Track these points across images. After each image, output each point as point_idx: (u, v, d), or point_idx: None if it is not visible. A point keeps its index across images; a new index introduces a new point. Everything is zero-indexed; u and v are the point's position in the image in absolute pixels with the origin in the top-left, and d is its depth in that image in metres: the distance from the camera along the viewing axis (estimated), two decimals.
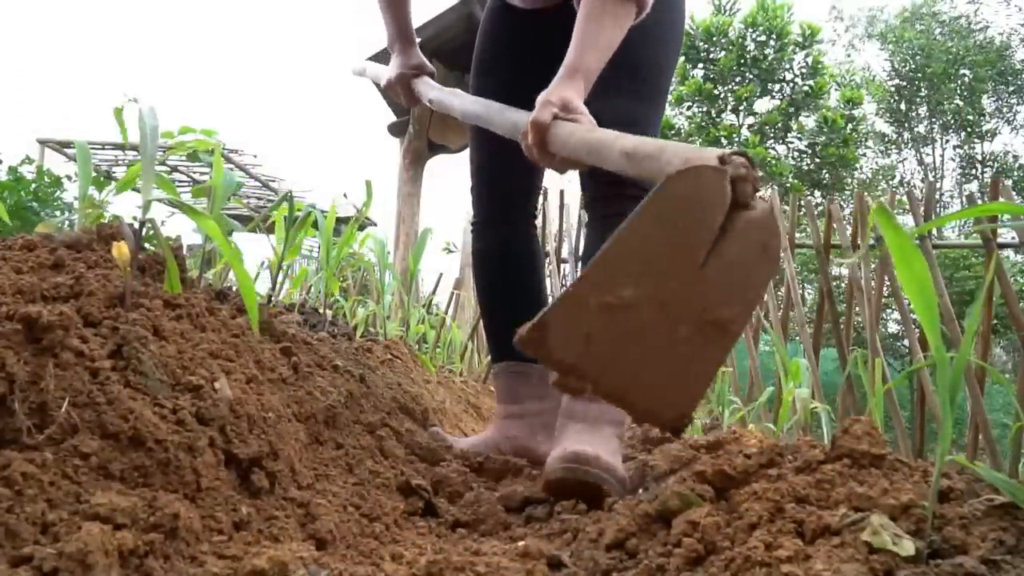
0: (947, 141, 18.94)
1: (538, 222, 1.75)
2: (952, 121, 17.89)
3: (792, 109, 12.77)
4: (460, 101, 1.54)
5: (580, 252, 3.78)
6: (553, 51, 1.41)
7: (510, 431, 1.56)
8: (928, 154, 19.38)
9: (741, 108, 12.91)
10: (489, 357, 1.78)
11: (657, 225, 0.82)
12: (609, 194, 1.45)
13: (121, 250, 0.94)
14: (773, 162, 12.15)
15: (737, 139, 12.72)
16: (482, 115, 1.46)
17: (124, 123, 1.28)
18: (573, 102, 1.19)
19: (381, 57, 5.65)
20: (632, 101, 1.46)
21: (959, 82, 17.36)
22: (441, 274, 4.75)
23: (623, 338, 0.83)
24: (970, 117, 17.74)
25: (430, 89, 1.68)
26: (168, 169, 8.52)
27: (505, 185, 1.67)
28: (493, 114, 1.42)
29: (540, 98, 1.21)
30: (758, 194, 0.84)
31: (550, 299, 1.72)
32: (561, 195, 4.45)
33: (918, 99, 17.90)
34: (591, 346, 0.82)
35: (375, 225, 7.97)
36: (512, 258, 1.67)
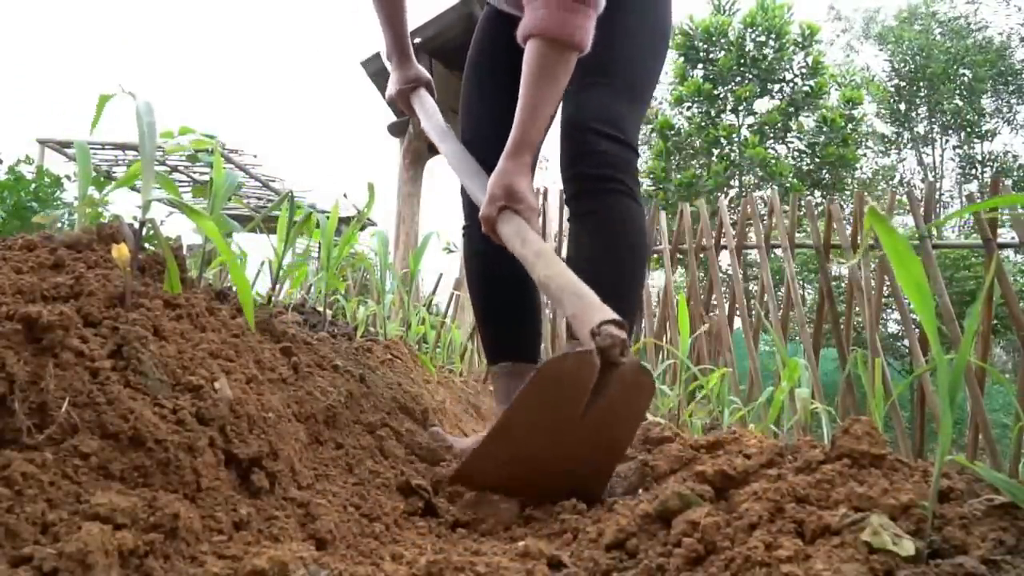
0: (947, 141, 18.95)
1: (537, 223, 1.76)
2: (952, 121, 17.90)
3: (792, 109, 12.76)
4: (446, 146, 1.62)
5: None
6: None
7: None
8: (928, 154, 19.39)
9: (741, 108, 12.91)
10: (486, 359, 1.79)
11: (537, 400, 1.03)
12: (586, 190, 1.48)
13: (121, 251, 0.94)
14: (773, 162, 12.15)
15: (737, 139, 12.73)
16: (457, 169, 1.56)
17: (100, 113, 1.26)
18: (517, 190, 1.31)
19: (380, 57, 5.65)
20: (606, 95, 1.48)
21: (958, 82, 17.37)
22: (441, 274, 4.76)
23: (532, 470, 1.08)
24: (970, 117, 17.74)
25: (426, 115, 1.75)
26: (168, 169, 8.52)
27: None
28: (464, 173, 1.53)
29: (488, 187, 1.32)
30: (627, 351, 1.02)
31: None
32: (561, 195, 4.45)
33: (918, 99, 17.91)
34: (510, 475, 1.08)
35: (375, 225, 7.97)
36: (503, 263, 1.67)
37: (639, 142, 1.57)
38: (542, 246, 1.25)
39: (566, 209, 4.81)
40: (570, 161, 1.48)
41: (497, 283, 1.68)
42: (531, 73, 1.31)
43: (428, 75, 1.80)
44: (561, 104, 1.54)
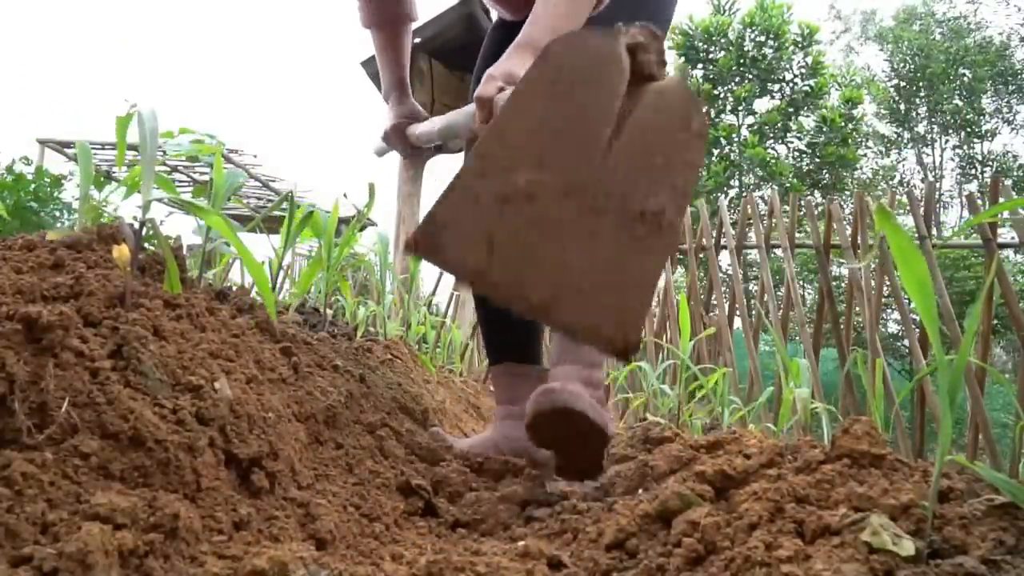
0: (947, 141, 18.96)
1: None
2: (952, 121, 17.91)
3: (791, 109, 12.76)
4: (438, 122, 1.58)
5: None
6: None
7: (510, 432, 1.55)
8: (928, 154, 19.40)
9: (740, 108, 12.91)
10: (487, 359, 1.82)
11: (546, 97, 0.70)
12: None
13: (122, 252, 0.94)
14: (773, 162, 12.15)
15: (737, 139, 12.72)
16: (449, 122, 1.48)
17: (124, 134, 1.28)
18: (516, 73, 1.15)
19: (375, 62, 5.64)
20: None
21: (958, 82, 17.38)
22: (441, 274, 4.75)
23: (533, 236, 0.69)
24: (969, 117, 17.75)
25: (417, 127, 1.72)
26: (168, 169, 8.52)
27: None
28: (456, 116, 1.42)
29: (486, 73, 1.19)
30: (665, 68, 0.73)
31: None
32: None
33: (917, 99, 17.91)
34: (497, 248, 0.69)
35: (375, 225, 7.97)
36: None
37: None
38: None
39: None
40: None
41: None
42: None
43: (425, 113, 1.81)
44: None
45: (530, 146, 0.70)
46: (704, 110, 0.76)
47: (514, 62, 1.19)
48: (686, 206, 0.77)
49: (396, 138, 1.79)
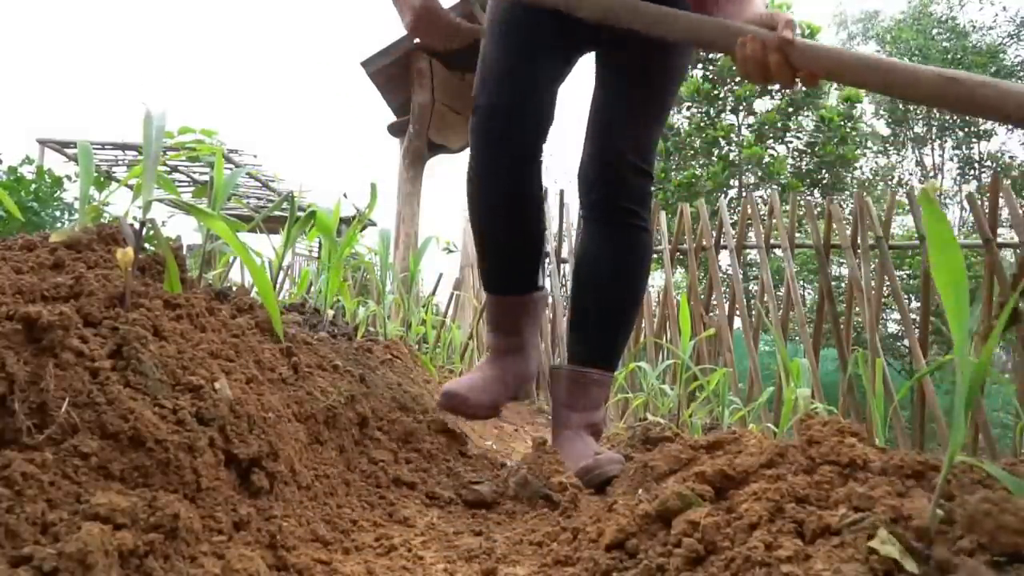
0: (945, 141, 18.97)
1: None
2: (950, 121, 17.91)
3: (791, 109, 12.76)
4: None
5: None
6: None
7: (515, 367, 1.63)
8: (927, 154, 19.41)
9: (740, 108, 12.91)
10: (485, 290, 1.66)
11: None
12: (616, 221, 1.57)
13: (127, 255, 0.94)
14: (771, 161, 12.16)
15: (737, 139, 12.73)
16: (649, 17, 1.22)
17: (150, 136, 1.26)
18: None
19: (379, 57, 5.64)
20: (647, 128, 1.59)
21: None
22: (441, 274, 4.76)
23: None
24: (968, 117, 17.76)
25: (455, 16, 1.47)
26: (168, 169, 8.51)
27: (537, 118, 1.50)
28: (667, 19, 1.20)
29: (777, 15, 1.16)
30: None
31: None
32: (561, 195, 4.45)
33: None
34: None
35: (375, 225, 7.98)
36: (521, 206, 1.54)
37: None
38: None
39: (566, 210, 4.76)
40: (604, 186, 1.56)
41: (509, 226, 1.55)
42: None
43: None
44: (601, 126, 1.58)
45: None
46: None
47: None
48: None
49: (434, 22, 1.46)
